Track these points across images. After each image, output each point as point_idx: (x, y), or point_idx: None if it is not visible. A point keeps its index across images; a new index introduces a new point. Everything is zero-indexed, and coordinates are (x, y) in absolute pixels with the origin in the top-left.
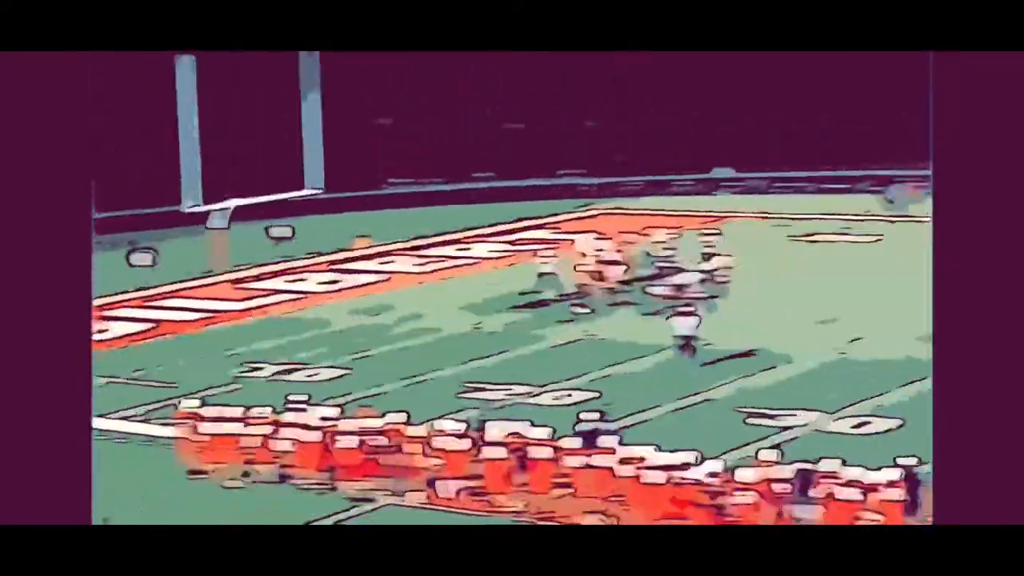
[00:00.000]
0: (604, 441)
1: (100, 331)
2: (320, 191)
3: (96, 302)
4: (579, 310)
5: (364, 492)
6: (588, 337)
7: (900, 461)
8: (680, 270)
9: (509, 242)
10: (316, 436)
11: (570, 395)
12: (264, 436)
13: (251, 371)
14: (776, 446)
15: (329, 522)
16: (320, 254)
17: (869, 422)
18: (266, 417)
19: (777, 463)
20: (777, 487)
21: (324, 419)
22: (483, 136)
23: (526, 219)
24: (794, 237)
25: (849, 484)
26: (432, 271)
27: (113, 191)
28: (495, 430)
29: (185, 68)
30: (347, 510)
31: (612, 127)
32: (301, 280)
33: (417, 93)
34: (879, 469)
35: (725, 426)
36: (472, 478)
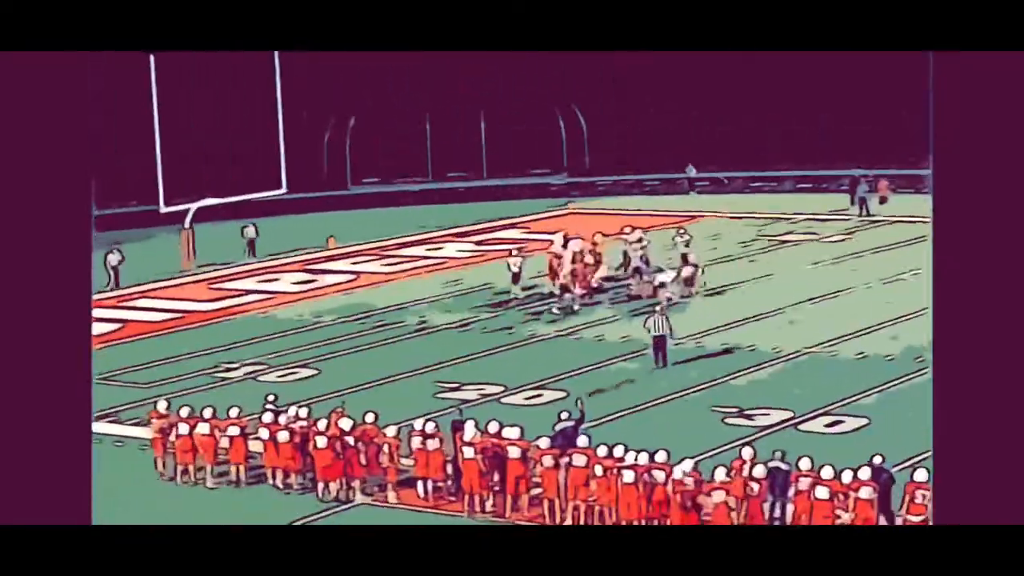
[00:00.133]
0: (580, 441)
1: None
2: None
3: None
4: (554, 310)
5: (339, 492)
6: (562, 337)
7: (874, 460)
8: (656, 270)
9: (480, 242)
10: (290, 437)
11: (543, 395)
12: (238, 437)
13: (225, 371)
14: (750, 444)
15: (304, 522)
16: (293, 254)
17: (842, 421)
18: (240, 418)
19: (752, 462)
20: (753, 486)
21: (298, 419)
22: (455, 136)
23: (498, 219)
24: (767, 236)
25: (823, 483)
26: (403, 271)
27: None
28: (470, 430)
29: (157, 67)
30: (319, 513)
31: (588, 127)
32: (274, 280)
33: (389, 93)
34: (854, 468)
35: (701, 426)
36: (446, 478)
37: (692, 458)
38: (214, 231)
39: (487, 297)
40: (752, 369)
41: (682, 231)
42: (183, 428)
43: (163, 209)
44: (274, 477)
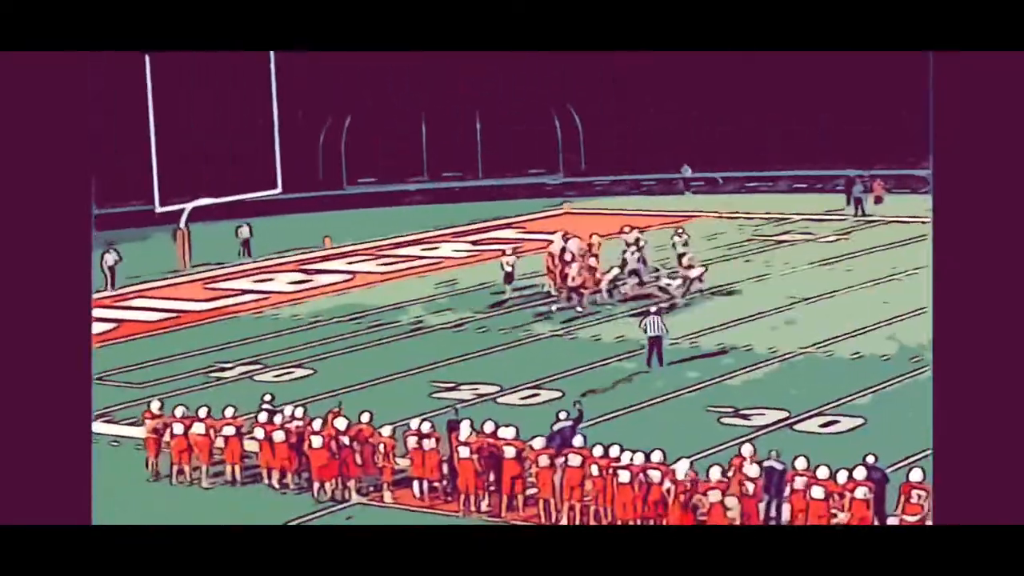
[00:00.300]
0: (575, 441)
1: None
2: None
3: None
4: (551, 309)
5: (334, 492)
6: (558, 336)
7: (867, 459)
8: (654, 270)
9: (476, 242)
10: (286, 436)
11: (539, 395)
12: (233, 436)
13: (220, 371)
14: (751, 442)
15: (299, 522)
16: (289, 254)
17: (837, 421)
18: (236, 418)
19: (748, 462)
20: (748, 486)
21: (293, 419)
22: (451, 136)
23: (494, 219)
24: (763, 236)
25: (818, 483)
26: (399, 271)
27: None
28: (465, 430)
29: (152, 67)
30: (315, 512)
31: (584, 127)
32: (269, 280)
33: (385, 93)
34: (849, 468)
35: (697, 426)
36: (442, 478)
37: (688, 458)
38: (210, 231)
39: (483, 297)
40: (748, 369)
41: (680, 231)
42: (178, 428)
43: (159, 209)
44: (270, 477)
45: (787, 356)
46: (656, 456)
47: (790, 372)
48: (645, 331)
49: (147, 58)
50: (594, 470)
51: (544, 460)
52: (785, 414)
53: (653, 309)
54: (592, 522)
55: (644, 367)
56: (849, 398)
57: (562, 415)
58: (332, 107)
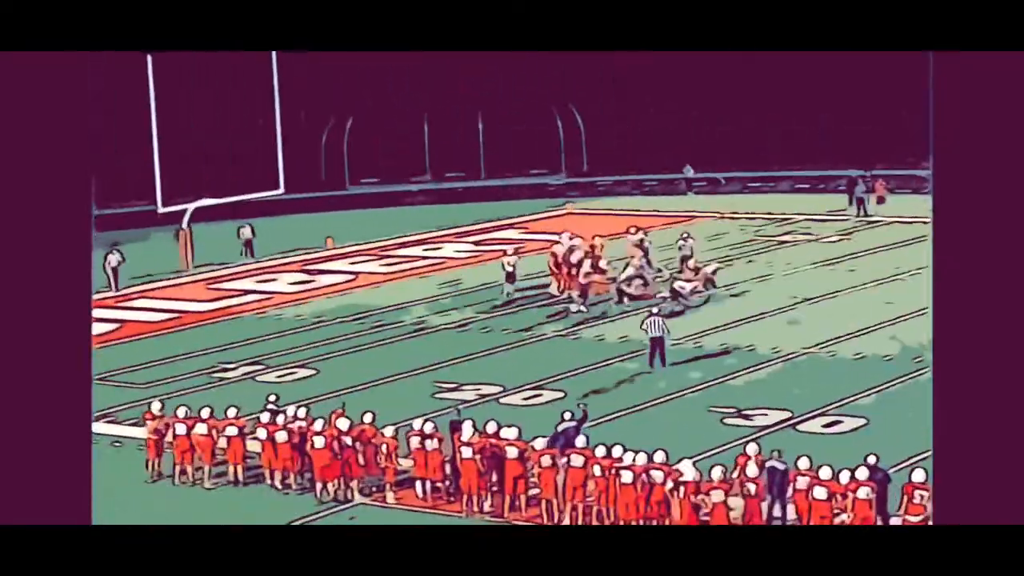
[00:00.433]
0: (578, 441)
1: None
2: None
3: None
4: (575, 310)
5: (337, 492)
6: (562, 337)
7: (868, 459)
8: (656, 271)
9: (478, 242)
10: (288, 437)
11: (542, 395)
12: (236, 437)
13: (222, 371)
14: (756, 441)
15: (302, 523)
16: (291, 254)
17: (840, 421)
18: (238, 418)
19: (751, 462)
20: (750, 486)
21: (296, 419)
22: (454, 136)
23: (496, 219)
24: (765, 236)
25: (821, 483)
26: (402, 271)
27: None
28: (468, 430)
29: (155, 67)
30: (318, 513)
31: (586, 127)
32: (272, 280)
33: (388, 93)
34: (852, 468)
35: (700, 426)
36: (444, 478)
37: (690, 458)
38: (212, 231)
39: (486, 297)
40: (750, 369)
41: (686, 235)
42: (181, 428)
43: (161, 209)
44: (272, 477)
45: (790, 356)
46: (659, 457)
47: (793, 372)
48: (647, 332)
49: (149, 58)
50: (596, 470)
51: (547, 460)
52: (788, 414)
53: (655, 310)
54: (594, 522)
55: (647, 367)
56: (852, 398)
57: (567, 415)
58: (334, 107)
